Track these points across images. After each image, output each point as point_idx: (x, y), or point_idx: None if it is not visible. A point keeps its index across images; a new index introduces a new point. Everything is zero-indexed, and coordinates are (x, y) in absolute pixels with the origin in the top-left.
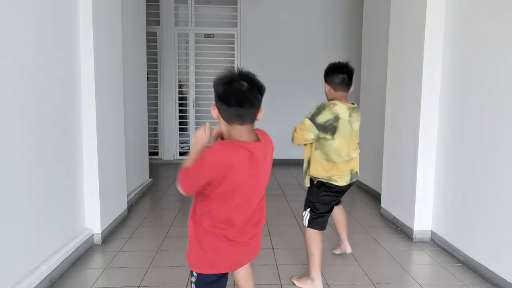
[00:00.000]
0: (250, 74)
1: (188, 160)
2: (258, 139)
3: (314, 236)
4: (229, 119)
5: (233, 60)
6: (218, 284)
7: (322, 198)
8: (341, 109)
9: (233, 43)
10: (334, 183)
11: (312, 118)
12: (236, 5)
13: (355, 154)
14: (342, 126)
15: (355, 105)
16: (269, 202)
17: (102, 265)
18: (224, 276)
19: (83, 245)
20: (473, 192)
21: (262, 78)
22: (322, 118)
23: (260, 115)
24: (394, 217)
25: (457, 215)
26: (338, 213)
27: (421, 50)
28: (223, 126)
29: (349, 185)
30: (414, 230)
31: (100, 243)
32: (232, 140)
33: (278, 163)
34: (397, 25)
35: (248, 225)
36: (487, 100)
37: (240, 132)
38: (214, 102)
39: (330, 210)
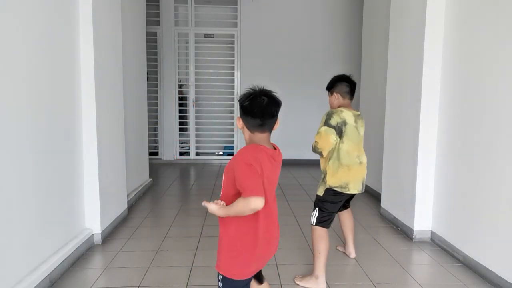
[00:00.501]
0: (269, 91)
1: (227, 208)
2: (274, 148)
3: (322, 234)
4: (252, 128)
5: (233, 60)
6: None
7: (332, 199)
8: (347, 115)
9: (233, 43)
10: (348, 192)
11: (326, 123)
12: (236, 5)
13: (365, 158)
14: (349, 130)
15: (359, 113)
16: None
17: (102, 265)
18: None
19: (83, 245)
20: (473, 192)
21: (262, 78)
22: (334, 121)
23: (277, 126)
24: (394, 217)
25: (457, 215)
26: (347, 217)
27: (421, 50)
28: (246, 134)
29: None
30: (414, 230)
31: (100, 243)
32: (254, 144)
33: None
34: (397, 25)
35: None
36: (487, 100)
37: (260, 138)
38: (238, 114)
39: (337, 210)
